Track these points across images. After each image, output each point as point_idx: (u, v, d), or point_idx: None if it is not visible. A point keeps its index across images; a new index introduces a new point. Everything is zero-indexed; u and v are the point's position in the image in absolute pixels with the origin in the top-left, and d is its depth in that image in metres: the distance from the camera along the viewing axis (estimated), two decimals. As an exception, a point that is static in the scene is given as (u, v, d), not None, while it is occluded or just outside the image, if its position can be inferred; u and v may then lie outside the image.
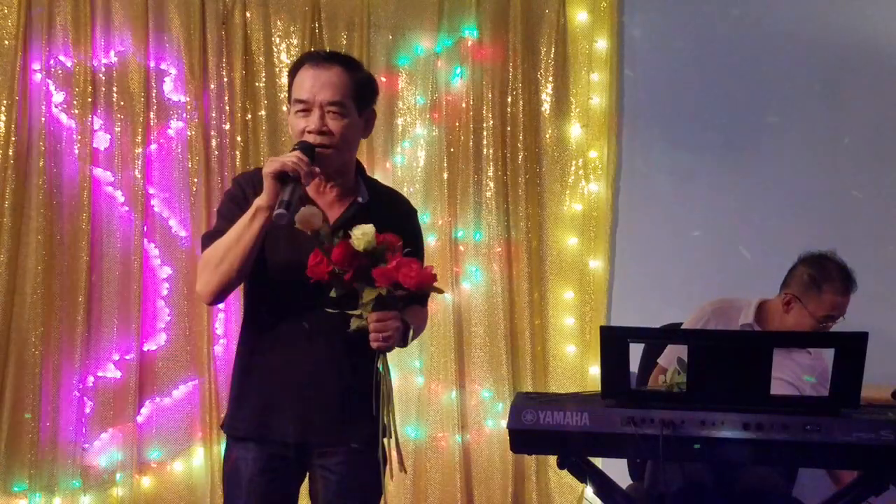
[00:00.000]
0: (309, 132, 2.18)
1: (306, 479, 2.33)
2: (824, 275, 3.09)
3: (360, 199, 2.27)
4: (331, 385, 2.22)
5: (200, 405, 3.93)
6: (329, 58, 2.25)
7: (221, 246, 2.13)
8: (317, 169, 2.14)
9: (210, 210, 3.86)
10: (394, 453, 2.15)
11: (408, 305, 2.18)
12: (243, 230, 2.10)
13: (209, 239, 2.21)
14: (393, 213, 2.28)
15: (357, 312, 2.09)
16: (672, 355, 3.01)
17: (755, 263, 4.04)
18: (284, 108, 2.29)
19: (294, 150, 2.14)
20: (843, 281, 3.07)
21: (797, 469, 3.11)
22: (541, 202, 4.21)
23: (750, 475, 2.90)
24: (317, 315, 2.15)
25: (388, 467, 2.18)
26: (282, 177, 2.07)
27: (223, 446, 2.45)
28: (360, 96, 2.23)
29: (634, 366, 2.40)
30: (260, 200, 2.09)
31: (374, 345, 2.10)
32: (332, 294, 2.08)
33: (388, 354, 2.14)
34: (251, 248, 2.11)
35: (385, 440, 2.14)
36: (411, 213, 2.41)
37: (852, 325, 2.36)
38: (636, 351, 3.33)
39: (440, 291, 2.17)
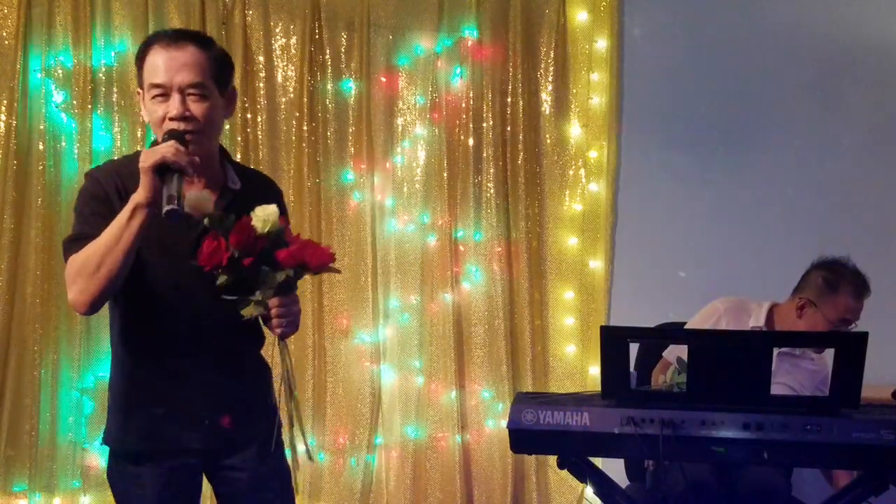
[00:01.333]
0: (171, 119, 2.01)
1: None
2: (840, 278, 3.10)
3: (231, 186, 2.13)
4: (225, 384, 2.12)
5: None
6: (181, 36, 2.07)
7: (97, 250, 1.95)
8: (196, 158, 1.98)
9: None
10: (300, 445, 2.01)
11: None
12: (121, 230, 1.92)
13: (74, 243, 2.02)
14: (269, 196, 2.10)
15: (257, 298, 1.96)
16: (676, 350, 3.01)
17: (755, 263, 4.04)
18: (137, 95, 2.15)
19: (165, 140, 1.96)
20: (859, 285, 3.08)
21: (792, 470, 3.11)
22: (541, 202, 4.21)
23: (751, 475, 2.90)
24: (196, 313, 2.07)
25: (295, 459, 2.05)
26: (162, 169, 1.90)
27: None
28: (219, 75, 2.08)
29: (635, 366, 2.40)
30: (138, 196, 1.91)
31: (277, 331, 2.00)
32: (220, 282, 1.94)
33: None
34: (131, 249, 1.94)
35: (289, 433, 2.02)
36: (280, 193, 2.27)
37: (852, 325, 2.36)
38: (636, 351, 3.33)
39: (338, 271, 2.08)
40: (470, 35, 4.15)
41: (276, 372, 2.11)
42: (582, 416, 2.26)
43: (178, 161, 1.90)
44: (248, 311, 1.97)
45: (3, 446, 3.76)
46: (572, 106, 4.22)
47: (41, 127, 3.83)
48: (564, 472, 2.52)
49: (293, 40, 4.06)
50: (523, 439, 2.33)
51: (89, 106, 3.86)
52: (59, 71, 3.87)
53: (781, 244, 4.02)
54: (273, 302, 1.97)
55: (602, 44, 4.20)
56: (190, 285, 2.05)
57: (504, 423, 2.69)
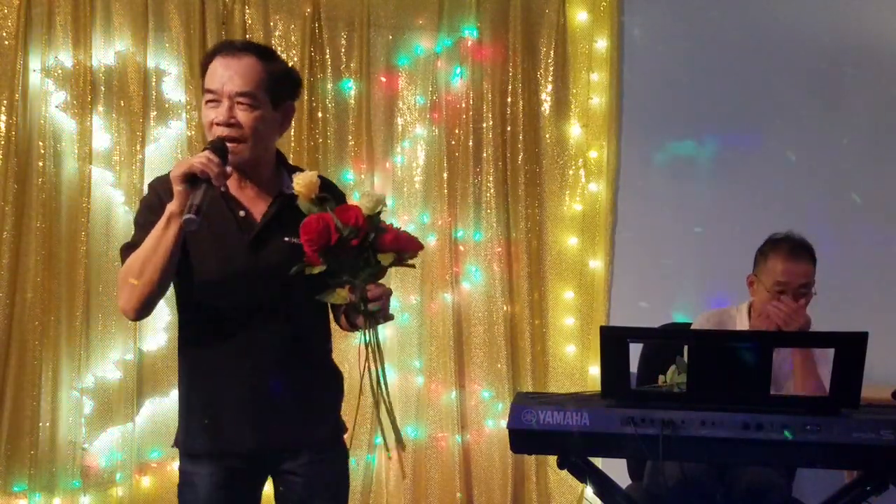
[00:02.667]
0: (217, 124, 2.07)
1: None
2: (769, 245, 3.09)
3: (286, 191, 2.14)
4: (283, 387, 2.13)
5: (200, 405, 3.92)
6: (242, 47, 2.13)
7: (138, 258, 2.00)
8: (229, 169, 2.03)
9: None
10: (390, 432, 2.03)
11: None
12: (158, 239, 1.98)
13: (128, 250, 2.07)
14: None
15: (357, 282, 1.94)
16: None
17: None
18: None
19: (204, 149, 2.02)
20: (787, 247, 3.04)
21: (795, 470, 3.11)
22: (541, 202, 4.21)
23: (749, 473, 2.90)
24: (256, 314, 2.09)
25: (387, 445, 2.06)
26: (190, 179, 1.95)
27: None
28: (274, 89, 2.11)
29: (634, 366, 2.40)
30: (171, 206, 1.97)
31: (378, 312, 1.97)
32: (312, 270, 1.93)
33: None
34: (169, 257, 1.98)
35: (382, 420, 2.03)
36: (343, 196, 2.26)
37: (852, 326, 2.36)
38: (636, 351, 3.33)
39: (413, 266, 2.08)
40: (470, 35, 4.15)
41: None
42: (582, 416, 2.26)
43: (205, 171, 1.94)
44: (341, 298, 1.96)
45: (4, 446, 3.76)
46: (572, 106, 4.23)
47: (41, 127, 3.83)
48: (564, 472, 2.52)
49: (293, 40, 4.06)
50: (523, 439, 2.33)
51: (89, 106, 3.86)
52: (59, 71, 3.87)
53: (781, 244, 4.02)
54: (372, 287, 1.96)
55: (602, 44, 4.20)
56: (245, 288, 2.08)
57: (504, 423, 2.70)
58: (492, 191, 4.17)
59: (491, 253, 4.16)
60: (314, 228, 1.91)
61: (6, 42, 3.82)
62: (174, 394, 3.85)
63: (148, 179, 3.88)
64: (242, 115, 2.07)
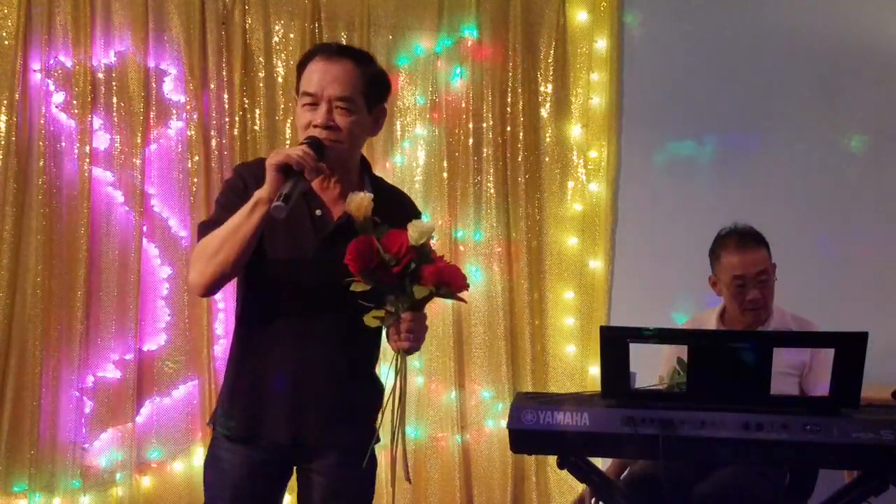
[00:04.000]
0: (315, 126, 2.10)
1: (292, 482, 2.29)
2: (717, 243, 3.10)
3: None
4: (325, 385, 2.16)
5: (200, 405, 3.93)
6: (341, 51, 2.18)
7: (218, 236, 2.05)
8: (323, 165, 2.07)
9: (210, 210, 3.86)
10: (400, 460, 2.06)
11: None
12: (242, 221, 2.02)
13: (206, 228, 2.12)
14: (398, 213, 2.16)
15: (390, 308, 2.00)
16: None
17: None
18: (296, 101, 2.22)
19: (302, 143, 2.06)
20: (737, 239, 3.04)
21: (813, 483, 3.07)
22: (541, 202, 4.21)
23: (722, 475, 2.87)
24: (313, 313, 2.13)
25: (395, 473, 2.10)
26: (285, 169, 2.00)
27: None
28: (370, 93, 2.17)
29: (634, 366, 2.40)
30: (261, 192, 2.02)
31: (405, 345, 2.04)
32: (355, 288, 1.99)
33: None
34: (249, 241, 2.03)
35: (392, 445, 2.07)
36: (417, 215, 2.27)
37: (852, 326, 2.35)
38: (636, 351, 3.32)
39: (464, 301, 2.14)
40: (470, 35, 4.15)
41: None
42: (582, 416, 2.26)
43: (301, 164, 1.99)
44: (372, 321, 2.01)
45: (4, 446, 3.76)
46: (572, 106, 4.23)
47: (41, 126, 3.83)
48: (564, 472, 2.52)
49: (293, 40, 4.06)
50: (523, 439, 2.33)
51: (89, 106, 3.86)
52: (59, 71, 3.87)
53: (781, 244, 4.01)
54: (406, 316, 2.02)
55: (602, 44, 4.20)
56: (308, 285, 2.12)
57: (504, 423, 2.69)
58: (492, 191, 4.17)
59: (491, 253, 4.16)
60: (356, 249, 1.97)
61: (6, 42, 3.82)
62: (174, 393, 3.91)
63: (148, 179, 3.92)
64: (340, 119, 2.12)
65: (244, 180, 2.16)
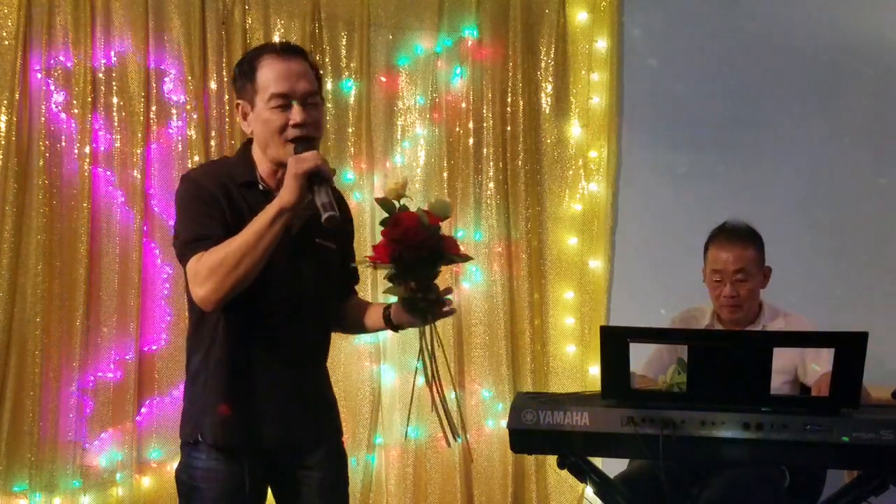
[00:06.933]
0: (295, 126, 2.07)
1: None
2: (709, 235, 3.13)
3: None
4: (309, 390, 2.23)
5: (200, 405, 3.92)
6: (292, 48, 2.17)
7: (237, 249, 1.98)
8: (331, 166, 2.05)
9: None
10: (446, 424, 2.19)
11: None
12: (264, 231, 1.97)
13: (197, 244, 2.04)
14: (342, 199, 2.26)
15: (424, 280, 2.06)
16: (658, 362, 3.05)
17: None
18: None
19: (299, 149, 2.02)
20: (724, 235, 3.07)
21: (821, 486, 3.06)
22: (541, 202, 4.22)
23: (715, 485, 2.84)
24: (292, 315, 2.15)
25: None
26: (313, 177, 1.96)
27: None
28: (320, 85, 2.19)
29: (634, 366, 2.40)
30: (285, 201, 1.96)
31: (445, 309, 2.09)
32: (388, 271, 2.05)
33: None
34: (269, 249, 1.99)
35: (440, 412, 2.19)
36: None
37: (852, 326, 2.35)
38: (636, 351, 3.32)
39: (470, 258, 2.22)
40: (470, 35, 4.15)
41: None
42: (582, 416, 2.26)
43: (326, 169, 1.98)
44: (403, 292, 2.07)
45: (4, 446, 3.76)
46: (572, 106, 4.23)
47: (41, 126, 3.82)
48: (564, 472, 2.52)
49: (293, 40, 4.05)
50: (523, 439, 2.33)
51: (89, 106, 3.85)
52: (59, 71, 3.87)
53: (781, 244, 4.01)
54: (436, 286, 2.08)
55: (602, 44, 4.20)
56: (283, 286, 2.12)
57: (504, 423, 2.70)
58: (492, 191, 4.17)
59: (491, 253, 4.16)
60: (407, 225, 1.99)
61: (6, 42, 3.82)
62: (175, 393, 3.90)
63: (148, 179, 3.92)
64: (314, 114, 2.12)
65: (208, 189, 2.09)
